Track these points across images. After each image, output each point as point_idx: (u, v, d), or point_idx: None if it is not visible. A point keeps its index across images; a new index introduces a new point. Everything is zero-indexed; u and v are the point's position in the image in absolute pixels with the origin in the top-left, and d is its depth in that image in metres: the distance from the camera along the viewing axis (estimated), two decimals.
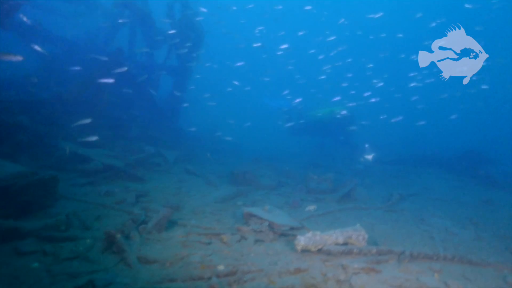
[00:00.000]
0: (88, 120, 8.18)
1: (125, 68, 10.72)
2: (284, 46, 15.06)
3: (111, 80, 10.05)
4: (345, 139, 17.96)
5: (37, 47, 8.92)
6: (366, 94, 15.38)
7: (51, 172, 6.35)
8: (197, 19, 14.43)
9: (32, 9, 17.97)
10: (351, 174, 12.95)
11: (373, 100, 15.10)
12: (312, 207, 8.37)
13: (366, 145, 17.44)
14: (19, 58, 6.64)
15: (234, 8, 15.89)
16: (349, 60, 18.88)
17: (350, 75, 17.00)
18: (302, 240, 5.44)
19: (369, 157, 16.16)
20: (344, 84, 16.86)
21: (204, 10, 14.35)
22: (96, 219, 6.20)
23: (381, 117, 16.82)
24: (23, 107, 9.95)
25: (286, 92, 18.13)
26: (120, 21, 14.76)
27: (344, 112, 16.50)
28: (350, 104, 16.58)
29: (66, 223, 5.60)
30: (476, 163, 14.57)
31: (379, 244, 6.43)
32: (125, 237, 5.30)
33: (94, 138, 8.51)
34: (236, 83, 18.25)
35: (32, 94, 11.73)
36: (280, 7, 21.42)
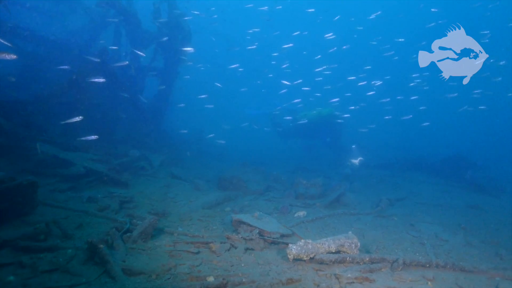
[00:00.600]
0: (77, 118, 7.77)
1: (126, 62, 10.30)
2: (289, 45, 14.88)
3: (100, 80, 9.68)
4: (332, 142, 17.75)
5: (3, 41, 8.49)
6: (370, 93, 15.25)
7: (30, 178, 6.00)
8: (185, 18, 14.14)
9: (12, 7, 17.36)
10: (339, 179, 12.89)
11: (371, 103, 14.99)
12: (301, 213, 8.23)
13: (353, 146, 17.37)
14: (12, 56, 6.35)
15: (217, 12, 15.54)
16: (335, 64, 18.87)
17: (353, 77, 16.86)
18: (294, 249, 5.28)
19: (356, 161, 16.15)
20: (362, 83, 16.56)
21: (197, 13, 14.09)
22: (78, 227, 5.89)
23: (371, 124, 16.79)
24: (0, 108, 9.51)
25: (283, 91, 17.89)
26: (108, 20, 14.35)
27: (338, 114, 16.30)
28: (352, 107, 16.33)
29: (45, 232, 5.28)
30: (462, 168, 14.71)
31: (371, 251, 6.33)
32: (109, 247, 5.04)
33: (93, 137, 8.14)
34: (219, 85, 18.02)
35: (11, 95, 11.26)
36: (280, 7, 21.26)
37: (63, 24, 18.23)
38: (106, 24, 16.40)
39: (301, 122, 16.80)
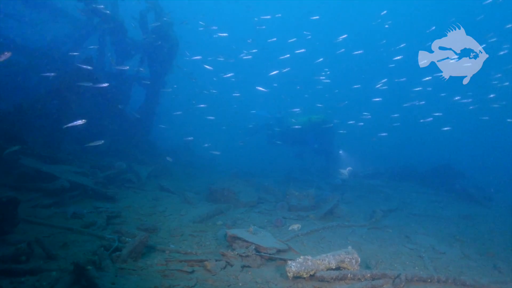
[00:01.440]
0: (80, 122, 7.35)
1: (127, 67, 9.92)
2: (301, 50, 14.79)
3: (87, 84, 9.33)
4: (321, 149, 17.21)
5: None
6: (377, 96, 15.05)
7: (10, 194, 5.61)
8: (185, 22, 13.93)
9: None
10: (330, 189, 12.76)
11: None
12: (295, 226, 8.01)
13: (340, 152, 17.14)
14: (7, 54, 6.08)
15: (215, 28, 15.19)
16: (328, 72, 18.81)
17: (358, 86, 16.70)
18: (293, 266, 5.05)
19: (346, 171, 16.07)
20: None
21: (184, 22, 13.92)
22: (62, 246, 5.51)
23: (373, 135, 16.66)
24: None
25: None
26: (93, 28, 14.01)
27: (335, 121, 15.93)
28: (368, 118, 15.94)
29: (27, 252, 4.90)
30: (450, 177, 14.78)
31: (370, 266, 6.15)
32: (97, 268, 4.69)
33: (99, 142, 7.76)
34: (206, 91, 17.83)
35: None
36: (279, 15, 21.17)
37: (45, 32, 17.74)
38: (90, 32, 16.03)
39: (289, 128, 16.43)
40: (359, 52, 17.64)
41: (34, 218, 6.39)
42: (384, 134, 16.00)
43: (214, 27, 14.36)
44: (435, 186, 14.40)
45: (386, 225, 8.92)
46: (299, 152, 18.10)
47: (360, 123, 15.50)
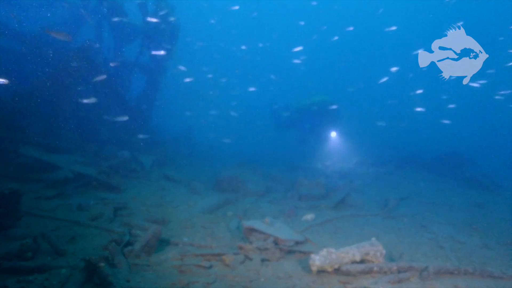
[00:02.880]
0: (92, 100, 7.05)
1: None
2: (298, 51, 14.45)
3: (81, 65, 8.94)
4: (320, 132, 16.34)
5: None
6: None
7: (12, 185, 5.26)
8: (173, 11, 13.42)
9: None
10: (338, 177, 12.50)
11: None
12: (309, 216, 7.72)
13: (333, 134, 16.51)
14: (68, 37, 6.17)
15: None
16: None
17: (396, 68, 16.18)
18: (317, 260, 4.77)
19: (351, 159, 15.80)
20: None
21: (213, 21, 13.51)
22: (70, 240, 5.19)
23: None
24: None
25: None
26: (91, 12, 13.49)
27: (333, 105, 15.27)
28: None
29: (33, 248, 4.59)
30: (459, 165, 14.56)
31: (394, 258, 5.88)
32: (110, 265, 4.38)
33: (124, 118, 7.43)
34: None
35: None
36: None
37: (43, 17, 17.14)
38: (89, 16, 15.46)
39: (295, 112, 15.95)
40: (393, 28, 16.69)
41: (37, 211, 6.06)
42: (447, 121, 15.37)
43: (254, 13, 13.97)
44: (443, 173, 14.15)
45: (400, 213, 8.68)
46: (301, 137, 17.43)
47: (420, 108, 14.52)
